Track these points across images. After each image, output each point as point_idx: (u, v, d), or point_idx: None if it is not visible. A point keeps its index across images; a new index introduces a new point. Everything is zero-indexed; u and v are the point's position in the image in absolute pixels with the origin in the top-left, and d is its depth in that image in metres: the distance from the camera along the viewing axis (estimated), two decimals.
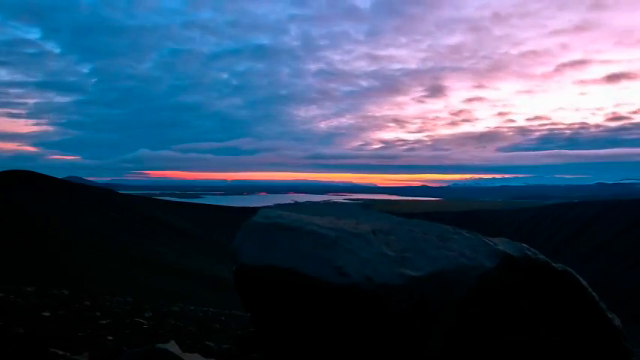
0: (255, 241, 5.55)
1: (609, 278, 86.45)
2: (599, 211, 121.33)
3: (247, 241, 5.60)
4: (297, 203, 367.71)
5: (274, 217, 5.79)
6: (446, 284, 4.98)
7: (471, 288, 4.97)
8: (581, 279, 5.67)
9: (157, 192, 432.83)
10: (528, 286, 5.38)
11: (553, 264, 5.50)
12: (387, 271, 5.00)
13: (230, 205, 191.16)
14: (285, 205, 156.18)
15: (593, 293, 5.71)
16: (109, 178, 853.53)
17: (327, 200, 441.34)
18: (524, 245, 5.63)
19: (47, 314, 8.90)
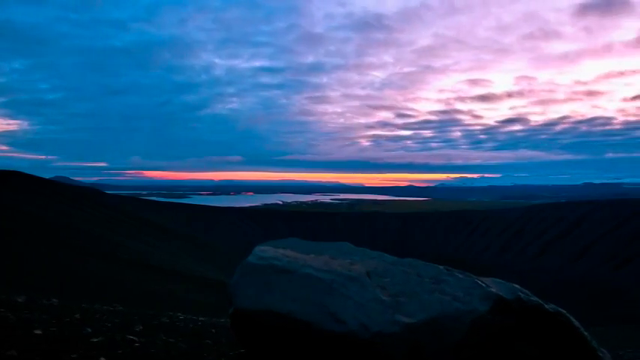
0: (252, 283, 5.61)
1: (596, 278, 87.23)
2: (586, 211, 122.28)
3: (243, 283, 5.66)
4: (284, 204, 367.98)
5: (270, 259, 5.83)
6: (440, 330, 5.02)
7: (465, 332, 5.03)
8: (573, 319, 5.75)
9: (145, 192, 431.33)
10: (521, 328, 5.44)
11: (545, 305, 5.57)
12: (382, 318, 5.04)
13: (217, 205, 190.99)
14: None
15: (585, 333, 5.79)
16: (96, 178, 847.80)
17: (314, 200, 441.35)
18: (517, 286, 5.69)
19: (39, 332, 8.88)
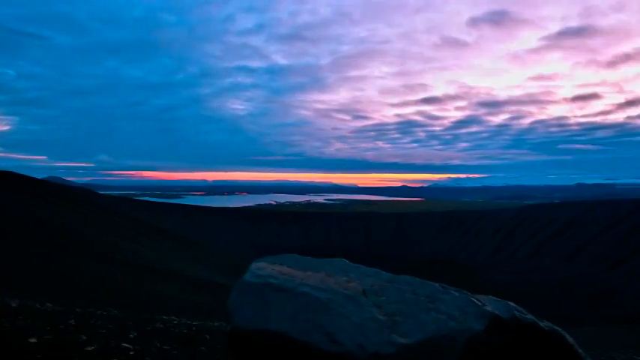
0: (249, 302, 5.62)
1: (589, 279, 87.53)
2: (579, 211, 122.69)
3: (241, 302, 5.67)
4: (278, 204, 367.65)
5: (266, 277, 5.84)
6: (436, 350, 5.02)
7: (461, 352, 5.02)
8: (567, 336, 5.76)
9: (138, 192, 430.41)
10: (516, 346, 5.46)
11: (540, 323, 5.59)
12: (378, 338, 5.04)
13: (210, 205, 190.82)
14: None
15: (580, 350, 5.80)
16: (88, 179, 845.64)
17: (307, 200, 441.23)
18: (512, 304, 5.70)
19: (34, 340, 8.87)
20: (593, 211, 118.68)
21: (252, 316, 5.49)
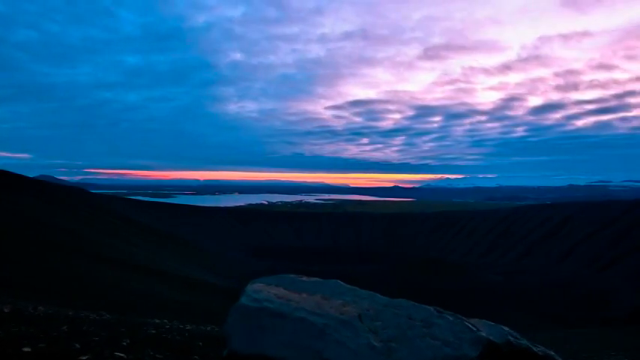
0: (245, 327, 5.66)
1: (581, 279, 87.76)
2: (571, 212, 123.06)
3: (237, 327, 5.71)
4: (270, 204, 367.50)
5: (262, 300, 5.86)
6: None
7: None
8: None
9: (130, 191, 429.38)
10: None
11: (534, 348, 5.62)
12: None
13: (202, 205, 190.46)
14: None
15: None
16: (79, 177, 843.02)
17: (299, 200, 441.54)
18: (506, 329, 5.73)
19: (28, 349, 8.83)
20: (585, 212, 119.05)
21: (248, 340, 5.54)
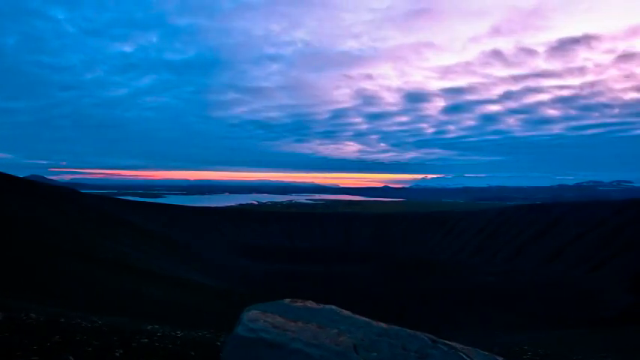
0: (242, 357, 5.63)
1: (572, 280, 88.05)
2: (561, 212, 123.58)
3: (234, 358, 5.67)
4: (260, 204, 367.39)
5: (259, 330, 5.78)
6: None
7: None
8: None
9: (121, 191, 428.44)
10: None
11: None
12: None
13: (192, 205, 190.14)
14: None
15: None
16: (69, 177, 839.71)
17: (290, 200, 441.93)
18: (499, 358, 5.75)
19: None
20: (575, 213, 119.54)
21: None
